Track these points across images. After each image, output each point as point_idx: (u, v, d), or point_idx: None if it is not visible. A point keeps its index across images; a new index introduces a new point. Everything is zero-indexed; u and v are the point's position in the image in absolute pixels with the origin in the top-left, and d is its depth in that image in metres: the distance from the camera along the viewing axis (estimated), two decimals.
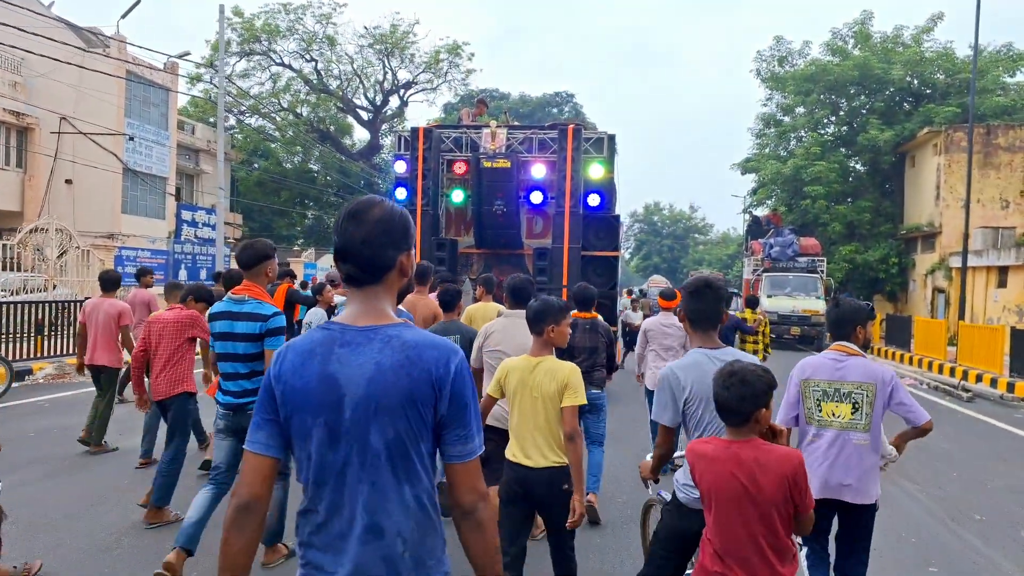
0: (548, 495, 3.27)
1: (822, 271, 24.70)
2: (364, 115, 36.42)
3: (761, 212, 31.82)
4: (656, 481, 3.28)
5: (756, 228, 28.86)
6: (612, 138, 12.67)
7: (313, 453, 1.57)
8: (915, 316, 21.31)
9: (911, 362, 18.25)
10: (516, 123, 16.57)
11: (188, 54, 20.68)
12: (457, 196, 12.01)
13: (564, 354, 4.42)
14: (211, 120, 33.15)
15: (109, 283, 6.91)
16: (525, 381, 3.32)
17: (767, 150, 32.10)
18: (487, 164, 11.37)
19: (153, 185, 24.57)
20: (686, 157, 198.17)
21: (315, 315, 6.37)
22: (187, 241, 24.32)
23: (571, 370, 3.30)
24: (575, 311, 5.50)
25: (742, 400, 2.27)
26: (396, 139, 14.07)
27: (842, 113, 29.55)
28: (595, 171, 11.77)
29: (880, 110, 28.83)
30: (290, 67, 33.56)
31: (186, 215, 24.98)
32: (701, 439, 2.50)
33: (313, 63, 33.72)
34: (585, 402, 3.33)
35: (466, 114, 14.37)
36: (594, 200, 11.72)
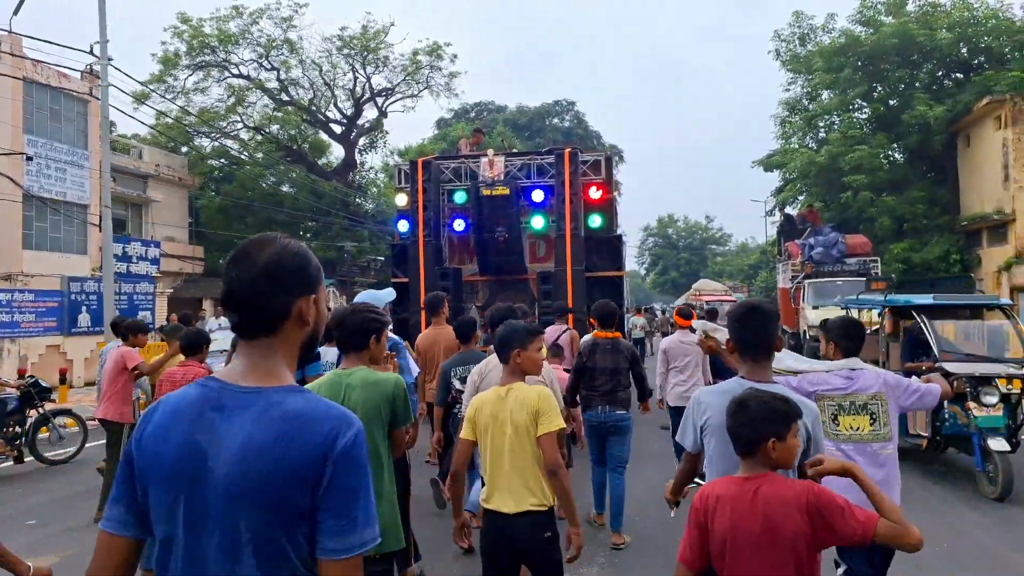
0: (531, 545, 3.00)
1: (876, 273, 20.42)
2: (336, 128, 32.71)
3: (793, 211, 27.55)
4: (677, 504, 2.95)
5: (790, 228, 24.60)
6: (610, 159, 12.80)
7: (168, 537, 1.36)
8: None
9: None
10: (516, 148, 17.31)
11: (98, 52, 17.14)
12: (458, 225, 12.09)
13: (585, 376, 5.32)
14: (170, 144, 29.73)
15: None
16: (496, 415, 3.07)
17: (793, 140, 27.90)
18: (486, 192, 11.51)
19: (69, 215, 20.84)
20: (700, 168, 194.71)
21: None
22: (119, 278, 20.58)
23: (540, 394, 3.06)
24: (596, 331, 5.63)
25: (740, 427, 2.16)
26: (396, 172, 14.07)
27: (881, 90, 25.31)
28: (594, 192, 11.82)
29: (925, 83, 24.65)
30: (248, 78, 29.96)
31: (116, 249, 21.26)
32: (716, 480, 2.27)
33: (275, 72, 30.16)
34: (564, 426, 3.10)
35: (464, 144, 14.25)
36: (595, 221, 11.85)
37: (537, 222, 11.78)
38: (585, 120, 50.70)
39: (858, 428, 3.30)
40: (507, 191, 11.50)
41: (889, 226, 23.36)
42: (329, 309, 1.85)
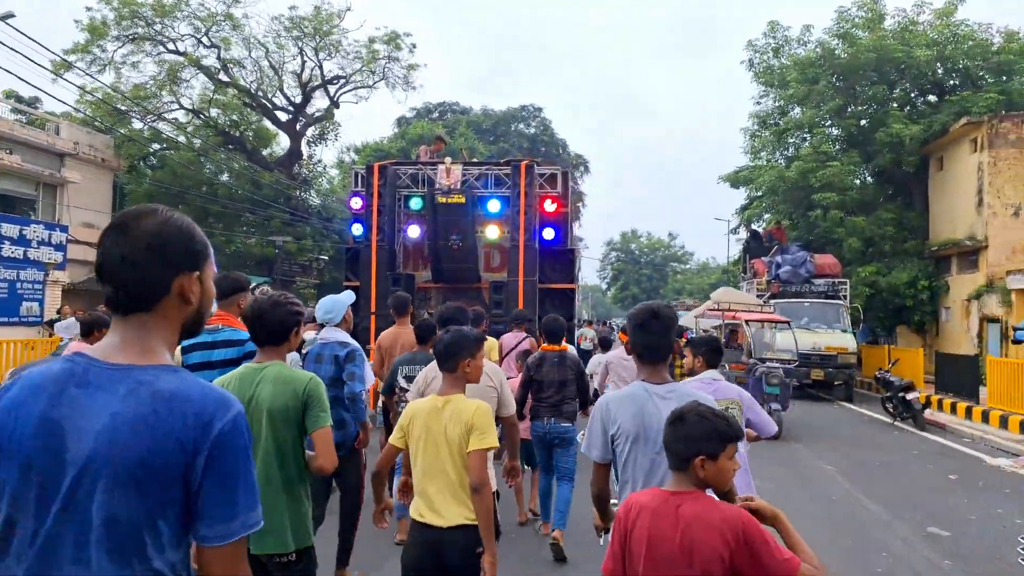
0: (460, 560, 2.89)
1: (845, 296, 19.19)
2: (282, 116, 30.50)
3: (759, 228, 26.29)
4: (607, 531, 2.70)
5: (756, 245, 23.37)
6: (567, 174, 12.89)
7: (11, 517, 1.27)
8: (987, 356, 15.71)
9: (990, 420, 12.65)
10: (477, 157, 16.82)
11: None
12: (413, 231, 12.15)
13: (533, 387, 5.52)
14: (96, 121, 27.24)
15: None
16: (430, 425, 3.00)
17: (763, 154, 26.69)
18: (442, 200, 11.52)
19: None
20: (665, 184, 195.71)
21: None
22: (11, 264, 18.28)
23: (476, 409, 2.96)
24: (544, 344, 5.79)
25: (675, 440, 2.11)
26: (352, 175, 13.77)
27: (854, 107, 24.20)
28: (549, 205, 11.95)
29: (901, 101, 23.65)
30: (183, 54, 27.63)
31: (11, 230, 18.93)
32: (642, 491, 2.26)
33: (215, 50, 27.88)
34: (495, 445, 2.99)
35: (424, 151, 14.25)
36: (549, 234, 11.89)
37: (492, 231, 11.85)
38: (552, 127, 49.24)
39: None
40: (463, 199, 11.52)
41: (857, 248, 22.18)
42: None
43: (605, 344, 10.99)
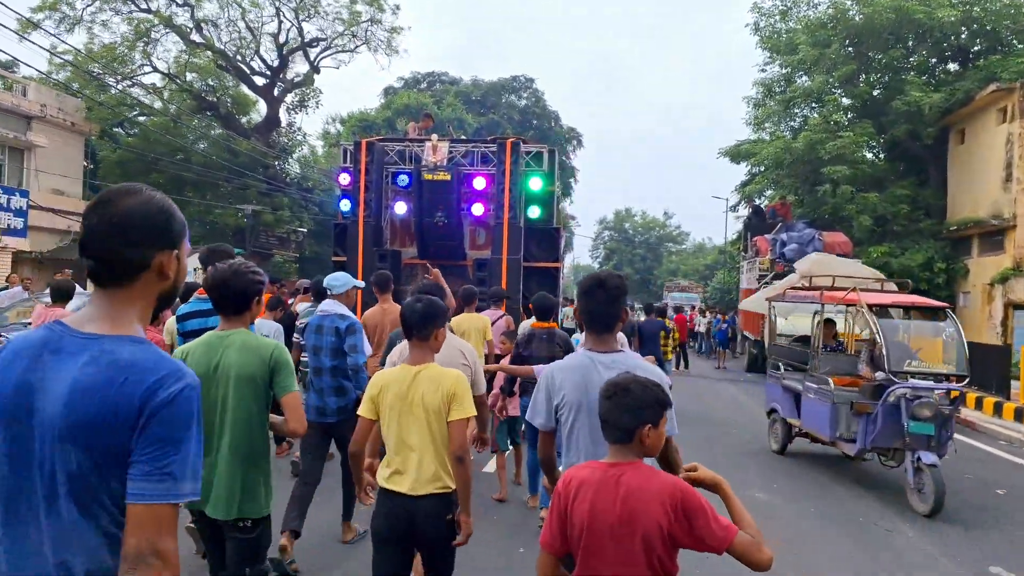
0: (431, 528, 2.96)
1: None
2: (259, 81, 28.72)
3: (763, 205, 24.77)
4: None
5: (758, 222, 21.86)
6: (553, 152, 12.97)
7: None
8: (1022, 348, 14.31)
9: None
10: (462, 136, 17.50)
11: None
12: (400, 208, 12.19)
13: (522, 364, 5.51)
14: (72, 85, 25.44)
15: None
16: (404, 394, 2.98)
17: (767, 126, 25.11)
18: (428, 177, 11.61)
19: None
20: (661, 160, 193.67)
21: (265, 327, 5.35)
22: None
23: (456, 378, 3.01)
24: (534, 321, 6.01)
25: (622, 412, 2.08)
26: (341, 151, 13.99)
27: (870, 74, 22.60)
28: (535, 184, 12.01)
29: (919, 68, 22.07)
30: (155, 12, 25.80)
31: None
32: (580, 464, 2.25)
33: (188, 8, 26.06)
34: (475, 413, 3.06)
35: (412, 128, 14.12)
36: (534, 212, 12.02)
37: (477, 209, 11.79)
38: (544, 99, 47.37)
39: None
40: (448, 177, 11.57)
41: (868, 226, 20.69)
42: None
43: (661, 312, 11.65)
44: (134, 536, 1.31)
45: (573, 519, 2.06)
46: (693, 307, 31.47)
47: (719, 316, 21.67)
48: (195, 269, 7.11)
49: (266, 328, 5.37)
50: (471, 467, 3.00)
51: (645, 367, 2.55)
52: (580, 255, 74.25)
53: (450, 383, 2.95)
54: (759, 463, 8.48)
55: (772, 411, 9.13)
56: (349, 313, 4.98)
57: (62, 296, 6.15)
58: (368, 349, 5.23)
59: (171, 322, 5.33)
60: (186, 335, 3.91)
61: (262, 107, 30.36)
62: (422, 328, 3.04)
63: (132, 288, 1.44)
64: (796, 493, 7.21)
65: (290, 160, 30.84)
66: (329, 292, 5.08)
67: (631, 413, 2.05)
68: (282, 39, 27.87)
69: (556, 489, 2.16)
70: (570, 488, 2.09)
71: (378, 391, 3.03)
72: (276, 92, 28.92)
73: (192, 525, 3.83)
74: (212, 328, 3.49)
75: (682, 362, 19.52)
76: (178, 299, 6.45)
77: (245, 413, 2.88)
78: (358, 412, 3.13)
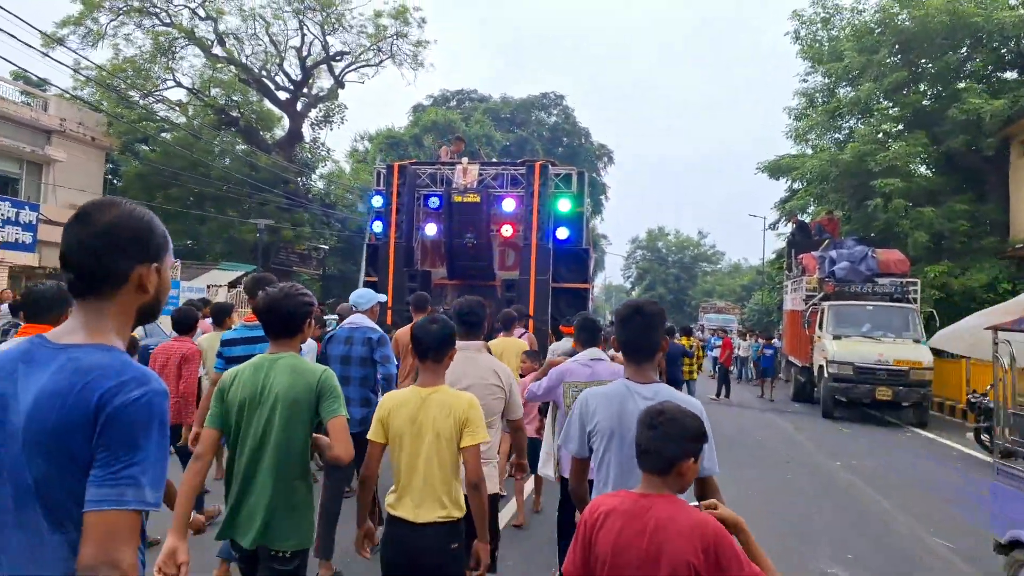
0: (436, 557, 2.87)
1: (915, 299, 16.26)
2: (281, 95, 28.14)
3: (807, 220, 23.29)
4: None
5: (802, 238, 20.41)
6: (582, 174, 13.18)
7: None
8: None
9: None
10: (494, 159, 18.37)
11: None
12: (430, 229, 12.37)
13: None
14: (96, 99, 25.14)
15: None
16: (413, 418, 2.93)
17: (810, 138, 23.71)
18: (457, 199, 11.79)
19: None
20: (695, 181, 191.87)
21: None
22: None
23: (469, 403, 2.94)
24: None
25: (667, 441, 2.00)
26: (375, 175, 14.33)
27: (922, 82, 21.16)
28: (563, 205, 12.08)
29: (976, 76, 20.60)
30: (175, 25, 25.40)
31: None
32: (610, 493, 2.20)
33: (210, 22, 25.63)
34: (488, 439, 2.97)
35: (445, 151, 14.44)
36: (562, 233, 11.99)
37: (506, 230, 11.91)
38: (574, 116, 46.46)
39: None
40: (477, 198, 11.71)
41: (924, 243, 19.19)
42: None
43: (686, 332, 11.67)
44: (88, 545, 1.30)
45: (597, 549, 2.03)
46: (727, 331, 29.98)
47: (762, 340, 20.17)
48: (233, 290, 7.02)
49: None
50: (486, 494, 2.93)
51: (686, 399, 2.47)
52: (612, 274, 73.00)
53: (462, 409, 2.89)
54: (828, 527, 7.17)
55: (1016, 544, 4.56)
56: (377, 327, 5.15)
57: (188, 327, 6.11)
58: (395, 361, 5.34)
59: (210, 336, 5.76)
60: (230, 360, 4.01)
61: (287, 123, 29.84)
62: (439, 350, 3.00)
63: (111, 300, 1.44)
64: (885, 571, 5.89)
65: (313, 176, 30.16)
66: (355, 308, 5.27)
67: (675, 444, 2.00)
68: (304, 52, 27.30)
69: (582, 517, 2.13)
70: (597, 516, 2.07)
71: (387, 413, 2.97)
72: (299, 107, 28.32)
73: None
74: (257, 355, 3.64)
75: (723, 389, 18.13)
76: (212, 322, 6.22)
77: (288, 437, 2.80)
78: (368, 436, 3.02)
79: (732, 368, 24.82)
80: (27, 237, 19.30)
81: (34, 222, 19.58)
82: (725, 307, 42.86)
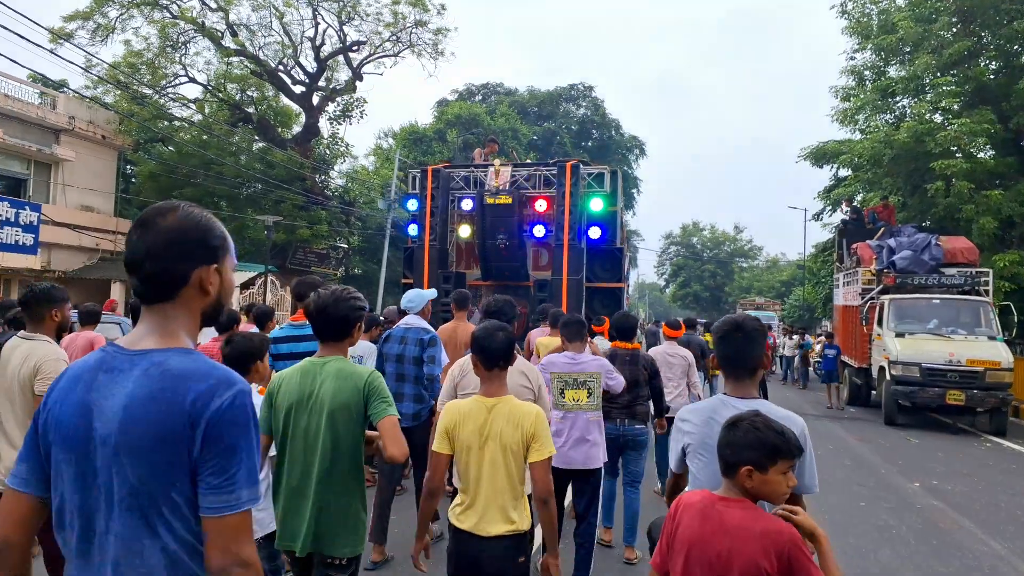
0: (502, 572, 2.84)
1: (985, 290, 14.50)
2: (296, 89, 27.10)
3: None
4: None
5: (856, 228, 18.68)
6: (615, 173, 13.18)
7: (64, 495, 1.42)
8: None
9: None
10: (528, 160, 18.87)
11: None
12: (464, 231, 12.55)
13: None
14: (103, 97, 24.41)
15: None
16: (481, 430, 2.86)
17: (859, 118, 21.86)
18: (490, 200, 12.01)
19: None
20: (730, 173, 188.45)
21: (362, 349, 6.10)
22: None
23: (537, 416, 2.87)
24: (614, 341, 5.55)
25: (724, 446, 2.07)
26: (409, 178, 14.34)
27: (987, 53, 19.26)
28: (596, 204, 12.09)
29: None
30: (183, 17, 24.48)
31: None
32: (694, 491, 2.22)
33: (222, 14, 24.68)
34: (554, 452, 2.90)
35: (478, 153, 14.47)
36: (595, 233, 12.02)
37: (538, 231, 11.98)
38: (603, 107, 44.89)
39: (579, 400, 4.42)
40: (510, 200, 11.86)
41: (992, 230, 17.35)
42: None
43: (652, 341, 10.73)
44: (216, 549, 1.35)
45: (675, 544, 2.09)
46: (769, 327, 28.22)
47: (823, 339, 18.50)
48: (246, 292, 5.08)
49: (360, 348, 5.97)
50: (555, 508, 2.89)
51: (786, 416, 2.36)
52: (645, 271, 71.08)
53: (530, 422, 2.85)
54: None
55: None
56: (430, 328, 5.28)
57: (92, 319, 6.26)
58: (445, 360, 5.36)
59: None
60: (277, 358, 4.13)
61: (304, 119, 28.85)
62: (502, 358, 2.96)
63: (175, 304, 1.47)
64: None
65: (331, 173, 29.09)
66: (408, 311, 5.36)
67: (730, 448, 2.04)
68: (319, 42, 26.23)
69: (669, 511, 2.18)
70: (679, 511, 2.12)
71: (453, 425, 2.91)
72: (316, 101, 27.26)
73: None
74: (303, 352, 3.71)
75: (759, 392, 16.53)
76: (257, 325, 6.20)
77: (336, 442, 2.76)
78: (432, 448, 2.97)
79: (774, 368, 23.14)
80: (28, 239, 18.49)
81: (35, 223, 18.78)
82: (765, 303, 41.00)
